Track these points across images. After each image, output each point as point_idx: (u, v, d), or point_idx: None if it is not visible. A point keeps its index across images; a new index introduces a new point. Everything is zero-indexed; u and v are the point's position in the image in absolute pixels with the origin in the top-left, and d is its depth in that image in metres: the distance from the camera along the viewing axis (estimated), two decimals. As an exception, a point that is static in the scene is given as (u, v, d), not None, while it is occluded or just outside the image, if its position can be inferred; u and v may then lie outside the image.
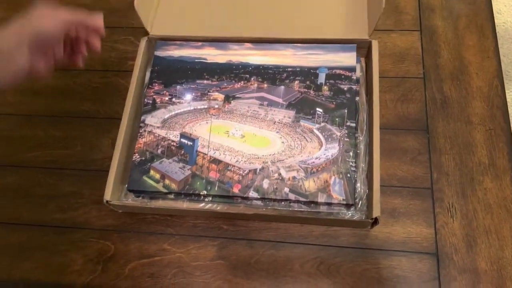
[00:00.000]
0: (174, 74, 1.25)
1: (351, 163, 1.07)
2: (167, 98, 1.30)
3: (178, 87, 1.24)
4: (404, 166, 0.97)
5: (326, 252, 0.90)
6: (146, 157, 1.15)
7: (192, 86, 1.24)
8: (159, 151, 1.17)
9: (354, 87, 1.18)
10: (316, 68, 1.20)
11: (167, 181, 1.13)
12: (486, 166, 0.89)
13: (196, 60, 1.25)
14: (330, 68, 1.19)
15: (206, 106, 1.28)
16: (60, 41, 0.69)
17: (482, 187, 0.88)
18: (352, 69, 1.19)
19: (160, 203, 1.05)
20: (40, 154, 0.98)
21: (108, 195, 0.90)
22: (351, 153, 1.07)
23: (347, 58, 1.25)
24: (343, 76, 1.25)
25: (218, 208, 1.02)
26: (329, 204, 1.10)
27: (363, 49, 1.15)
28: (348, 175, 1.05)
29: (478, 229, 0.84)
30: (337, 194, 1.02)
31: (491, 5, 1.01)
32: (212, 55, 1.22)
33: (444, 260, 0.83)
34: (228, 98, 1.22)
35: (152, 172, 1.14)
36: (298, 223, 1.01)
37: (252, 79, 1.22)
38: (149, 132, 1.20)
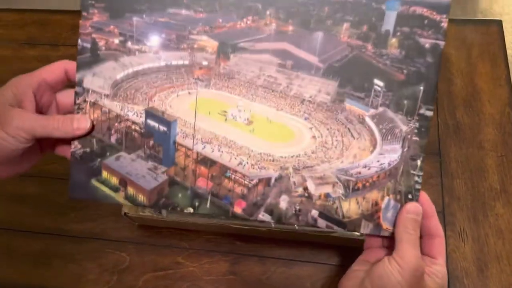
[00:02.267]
0: None
1: (416, 178, 0.61)
2: (117, 41, 0.62)
3: (135, 19, 0.61)
4: (416, 190, 0.89)
5: (338, 271, 0.82)
6: (92, 148, 0.63)
7: (160, 19, 0.61)
8: (112, 138, 0.64)
9: (441, 44, 0.60)
10: (382, 0, 0.60)
11: (130, 190, 0.63)
12: (497, 192, 0.87)
13: None
14: (405, 2, 0.59)
15: (187, 62, 0.62)
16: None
17: (494, 213, 0.86)
18: (443, 7, 0.58)
19: (176, 217, 0.76)
20: (60, 166, 0.94)
21: (126, 207, 0.76)
22: (418, 162, 0.61)
23: None
24: (426, 21, 0.59)
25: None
26: (374, 236, 0.65)
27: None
28: (410, 196, 0.61)
29: (489, 254, 0.82)
30: (389, 223, 0.60)
31: (503, 35, 1.03)
32: None
33: (455, 283, 0.81)
34: (225, 49, 0.62)
35: (105, 174, 0.64)
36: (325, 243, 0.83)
37: (268, 13, 0.61)
38: (93, 104, 0.63)
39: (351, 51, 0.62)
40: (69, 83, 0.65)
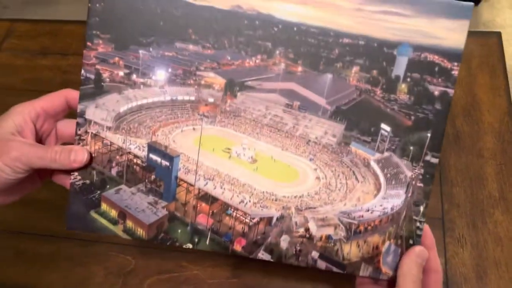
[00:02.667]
0: (131, 24, 0.59)
1: (418, 224, 0.60)
2: (121, 73, 0.60)
3: (141, 51, 0.59)
4: (416, 196, 0.88)
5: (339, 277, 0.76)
6: (92, 180, 0.61)
7: (167, 53, 0.59)
8: (113, 171, 0.62)
9: (450, 92, 0.58)
10: (394, 45, 0.57)
11: (129, 223, 0.61)
12: (496, 199, 0.87)
13: None
14: (417, 48, 0.57)
15: (193, 98, 0.60)
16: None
17: (493, 220, 0.86)
18: (455, 56, 0.57)
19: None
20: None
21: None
22: (421, 208, 0.59)
23: (453, 32, 0.56)
24: (437, 68, 0.58)
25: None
26: (373, 279, 0.63)
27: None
28: (411, 241, 0.59)
29: (488, 260, 0.82)
30: (388, 267, 0.59)
31: (503, 46, 1.04)
32: None
33: (454, 289, 0.76)
34: (232, 87, 0.60)
35: (104, 206, 0.62)
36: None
37: (278, 52, 0.59)
38: (95, 136, 0.61)
39: (360, 94, 0.61)
40: (70, 111, 0.64)
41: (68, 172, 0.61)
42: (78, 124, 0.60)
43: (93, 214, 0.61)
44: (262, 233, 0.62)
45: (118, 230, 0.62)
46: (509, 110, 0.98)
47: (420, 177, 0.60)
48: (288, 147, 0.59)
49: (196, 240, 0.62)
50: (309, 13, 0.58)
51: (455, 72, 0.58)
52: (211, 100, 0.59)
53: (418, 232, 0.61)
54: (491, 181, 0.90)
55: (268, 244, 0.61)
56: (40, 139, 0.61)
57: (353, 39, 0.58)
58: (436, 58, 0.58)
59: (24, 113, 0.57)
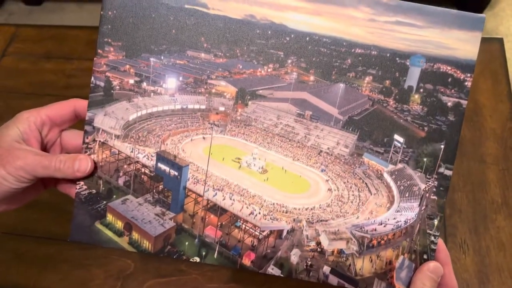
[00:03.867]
0: (143, 32, 0.57)
1: (433, 238, 0.57)
2: (132, 81, 0.58)
3: (152, 59, 0.58)
4: (418, 201, 0.88)
5: None
6: (98, 190, 0.59)
7: (178, 61, 0.58)
8: (120, 180, 0.59)
9: (463, 103, 0.56)
10: (406, 55, 0.56)
11: (135, 235, 0.58)
12: (499, 205, 0.86)
13: (186, 7, 0.57)
14: (430, 59, 0.56)
15: (203, 107, 0.59)
16: None
17: (495, 225, 0.84)
18: (468, 67, 0.55)
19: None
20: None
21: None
22: (435, 222, 0.57)
23: (466, 43, 0.54)
24: (450, 79, 0.56)
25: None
26: None
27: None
28: (425, 256, 0.56)
29: (490, 266, 0.80)
30: (402, 283, 0.56)
31: (505, 52, 1.03)
32: (219, 1, 0.56)
33: (457, 295, 0.78)
34: (243, 96, 0.58)
35: (110, 217, 0.59)
36: None
37: (290, 61, 0.57)
38: (102, 144, 0.59)
39: (372, 105, 0.59)
40: (77, 121, 0.62)
41: (73, 181, 0.58)
42: (86, 132, 0.58)
43: (98, 225, 0.58)
44: (272, 247, 0.58)
45: (123, 242, 0.59)
46: (511, 116, 0.96)
47: (434, 189, 0.57)
48: (300, 157, 0.57)
49: (204, 253, 0.59)
50: (322, 23, 0.56)
51: (468, 83, 0.56)
52: (221, 108, 0.57)
53: (433, 246, 0.58)
54: (493, 186, 0.89)
55: (278, 258, 0.58)
56: (44, 147, 0.58)
57: (366, 49, 0.57)
58: (449, 69, 0.57)
59: (30, 120, 0.55)
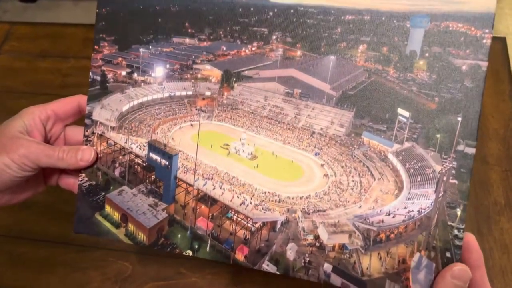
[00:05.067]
0: (132, 24, 0.58)
1: (456, 232, 0.46)
2: (124, 73, 0.59)
3: (141, 50, 0.58)
4: (420, 203, 0.82)
5: None
6: (98, 181, 0.59)
7: (165, 49, 0.57)
8: (116, 171, 0.59)
9: (483, 65, 0.45)
10: (406, 16, 0.48)
11: (131, 227, 0.57)
12: (502, 206, 0.83)
13: None
14: (435, 17, 0.46)
15: (190, 93, 0.56)
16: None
17: (498, 227, 0.82)
18: (484, 21, 0.45)
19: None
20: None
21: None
22: (458, 211, 0.46)
23: (479, 1, 0.48)
24: (463, 38, 0.46)
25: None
26: None
27: None
28: (448, 254, 0.45)
29: (494, 268, 0.78)
30: (421, 287, 0.46)
31: (507, 51, 0.99)
32: None
33: (460, 298, 0.69)
34: (228, 78, 0.55)
35: (108, 209, 0.59)
36: None
37: (274, 37, 0.53)
38: (100, 136, 0.60)
39: (369, 76, 0.51)
40: (81, 116, 0.63)
41: (75, 175, 0.59)
42: (86, 125, 0.59)
43: (98, 216, 0.58)
44: (266, 240, 0.52)
45: (120, 234, 0.57)
46: None
47: (453, 171, 0.47)
48: (290, 140, 0.51)
49: (196, 246, 0.55)
50: (307, -8, 0.51)
51: (487, 41, 0.46)
52: (208, 93, 0.54)
53: (457, 242, 0.47)
54: (496, 187, 0.85)
55: (273, 253, 0.52)
56: (48, 142, 0.60)
57: (357, 15, 0.50)
58: (460, 27, 0.47)
59: (35, 114, 0.58)
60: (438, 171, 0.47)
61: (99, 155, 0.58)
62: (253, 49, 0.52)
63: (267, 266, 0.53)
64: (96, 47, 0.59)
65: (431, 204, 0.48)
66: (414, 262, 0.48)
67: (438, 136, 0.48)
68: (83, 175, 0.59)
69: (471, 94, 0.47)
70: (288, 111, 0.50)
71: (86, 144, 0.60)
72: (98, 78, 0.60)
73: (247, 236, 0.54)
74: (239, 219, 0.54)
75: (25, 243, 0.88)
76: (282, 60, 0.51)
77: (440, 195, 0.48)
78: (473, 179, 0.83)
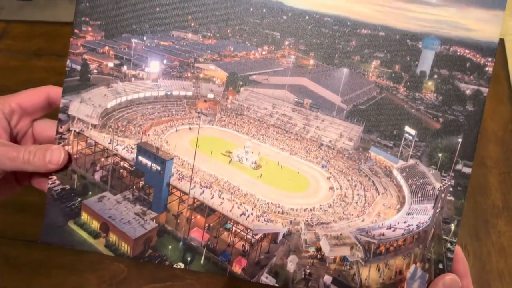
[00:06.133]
0: (124, 10, 0.49)
1: (449, 245, 0.49)
2: (111, 64, 0.51)
3: (134, 40, 0.50)
4: (418, 205, 0.84)
5: None
6: (73, 186, 0.51)
7: (163, 42, 0.51)
8: (97, 175, 0.52)
9: (484, 90, 0.48)
10: (419, 37, 0.48)
11: (112, 237, 0.51)
12: (500, 209, 0.82)
13: None
14: (446, 41, 0.48)
15: (190, 93, 0.52)
16: None
17: (496, 230, 0.81)
18: (489, 50, 0.47)
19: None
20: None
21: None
22: (452, 226, 0.48)
23: (486, 23, 0.46)
24: (469, 64, 0.49)
25: None
26: None
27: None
28: (441, 265, 0.47)
29: (491, 272, 0.77)
30: None
31: (506, 53, 0.96)
32: None
33: (458, 302, 0.73)
34: (234, 81, 0.51)
35: (85, 217, 0.51)
36: None
37: (287, 43, 0.50)
38: (78, 134, 0.52)
39: (380, 92, 0.51)
40: (51, 111, 0.54)
41: (46, 175, 0.50)
42: (60, 120, 0.50)
43: (72, 225, 0.50)
44: (266, 252, 0.50)
45: (99, 244, 0.50)
46: None
47: (451, 189, 0.48)
48: (298, 151, 0.49)
49: (189, 258, 0.50)
50: (323, 0, 0.48)
51: (489, 69, 0.48)
52: (210, 96, 0.49)
53: (449, 254, 0.49)
54: (494, 190, 0.85)
55: (273, 265, 0.50)
56: (15, 139, 0.50)
57: (373, 29, 0.49)
58: (467, 53, 0.48)
59: None
60: (438, 188, 0.49)
61: (75, 156, 0.50)
62: (263, 53, 0.49)
63: (266, 279, 0.51)
64: (76, 31, 0.51)
65: (429, 219, 0.50)
66: (409, 273, 0.50)
67: (440, 155, 0.50)
68: (54, 177, 0.51)
69: (472, 118, 0.49)
70: (297, 121, 0.48)
71: (60, 143, 0.51)
72: (78, 67, 0.51)
73: (246, 248, 0.51)
74: (239, 230, 0.51)
75: (20, 246, 0.85)
76: (293, 67, 0.49)
77: (438, 210, 0.50)
78: (471, 181, 0.86)
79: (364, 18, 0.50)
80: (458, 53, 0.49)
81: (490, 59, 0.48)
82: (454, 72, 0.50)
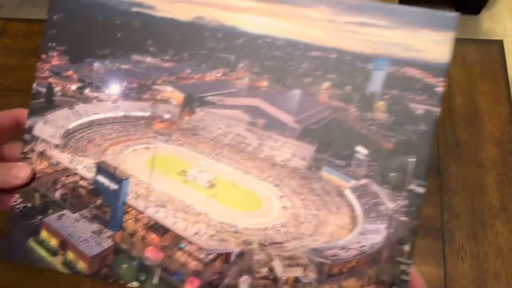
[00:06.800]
0: (88, 36, 0.53)
1: (404, 267, 0.47)
2: (74, 87, 0.53)
3: (96, 64, 0.53)
4: (415, 205, 0.82)
5: None
6: (34, 204, 0.52)
7: (123, 66, 0.52)
8: (57, 194, 0.53)
9: (436, 111, 0.48)
10: (369, 58, 0.49)
11: (70, 255, 0.51)
12: (497, 210, 0.83)
13: (133, 10, 0.51)
14: (396, 62, 0.48)
15: (147, 114, 0.52)
16: None
17: (493, 231, 0.82)
18: (439, 70, 0.47)
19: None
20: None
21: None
22: (407, 248, 0.47)
23: (436, 44, 0.47)
24: (419, 84, 0.48)
25: None
26: None
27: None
28: None
29: (488, 272, 0.78)
30: None
31: (504, 54, 0.99)
32: (167, 2, 0.51)
33: (454, 302, 0.69)
34: (191, 102, 0.52)
35: (44, 234, 0.52)
36: None
37: (241, 65, 0.51)
38: (41, 154, 0.53)
39: (331, 113, 0.51)
40: (21, 134, 0.56)
41: (9, 193, 0.51)
42: (25, 141, 0.52)
43: (32, 242, 0.51)
44: (219, 272, 0.49)
45: (57, 262, 0.51)
46: (510, 119, 0.92)
47: (404, 209, 0.48)
48: (251, 170, 0.49)
49: (143, 278, 0.50)
50: (276, 24, 0.50)
51: (439, 89, 0.48)
52: (167, 116, 0.50)
53: (404, 277, 0.48)
54: (492, 191, 0.86)
55: (226, 286, 0.49)
56: None
57: (324, 52, 0.49)
58: (417, 73, 0.49)
59: None
60: (391, 208, 0.48)
61: (38, 175, 0.52)
62: (218, 75, 0.50)
63: (219, 299, 0.50)
64: (43, 56, 0.53)
65: (382, 240, 0.49)
66: None
67: (392, 174, 0.49)
68: (17, 195, 0.52)
69: (424, 137, 0.49)
70: (251, 140, 0.49)
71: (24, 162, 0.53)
72: (44, 90, 0.53)
73: (199, 268, 0.51)
74: (192, 250, 0.51)
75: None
76: (247, 89, 0.49)
77: (392, 231, 0.49)
78: (468, 182, 0.84)
79: (315, 41, 0.50)
80: (409, 74, 0.49)
81: (441, 79, 0.48)
82: (405, 92, 0.50)
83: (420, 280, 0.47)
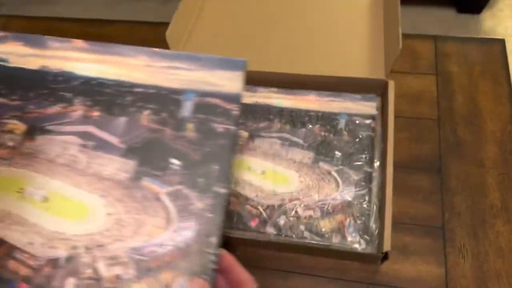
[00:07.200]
0: None
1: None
2: None
3: None
4: (416, 205, 0.86)
5: (335, 285, 0.76)
6: None
7: None
8: None
9: (232, 128, 0.63)
10: (180, 92, 0.65)
11: None
12: (498, 209, 0.83)
13: None
14: (201, 94, 0.65)
15: (-8, 142, 0.60)
16: None
17: (494, 230, 0.82)
18: (233, 99, 0.65)
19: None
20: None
21: None
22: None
23: (230, 80, 0.62)
24: (220, 109, 0.64)
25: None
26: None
27: (380, 89, 0.87)
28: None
29: (489, 272, 0.78)
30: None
31: (506, 53, 0.98)
32: (20, 56, 0.67)
33: (455, 302, 0.67)
34: (32, 131, 0.62)
35: None
36: (309, 254, 0.78)
37: (77, 100, 0.65)
38: None
39: (151, 133, 0.63)
40: None
41: None
42: None
43: None
44: (48, 277, 0.55)
45: None
46: (511, 119, 0.91)
47: (210, 207, 0.58)
48: (82, 185, 0.58)
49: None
50: (107, 69, 0.64)
51: (235, 112, 0.62)
52: (10, 143, 0.59)
53: (211, 265, 0.56)
54: (493, 191, 0.85)
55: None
56: None
57: (145, 88, 0.63)
58: (218, 102, 0.63)
59: None
60: (200, 208, 0.58)
61: None
62: (58, 109, 0.61)
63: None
64: None
65: (193, 235, 0.57)
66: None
67: (200, 180, 0.60)
68: None
69: (224, 149, 0.61)
70: (82, 159, 0.58)
71: None
72: None
73: (30, 274, 0.56)
74: (24, 258, 0.56)
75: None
76: (81, 118, 0.61)
77: (201, 227, 0.58)
78: (469, 181, 0.84)
79: (138, 80, 0.64)
80: (211, 102, 0.63)
81: (235, 105, 0.63)
82: (209, 116, 0.63)
83: (226, 254, 0.55)
